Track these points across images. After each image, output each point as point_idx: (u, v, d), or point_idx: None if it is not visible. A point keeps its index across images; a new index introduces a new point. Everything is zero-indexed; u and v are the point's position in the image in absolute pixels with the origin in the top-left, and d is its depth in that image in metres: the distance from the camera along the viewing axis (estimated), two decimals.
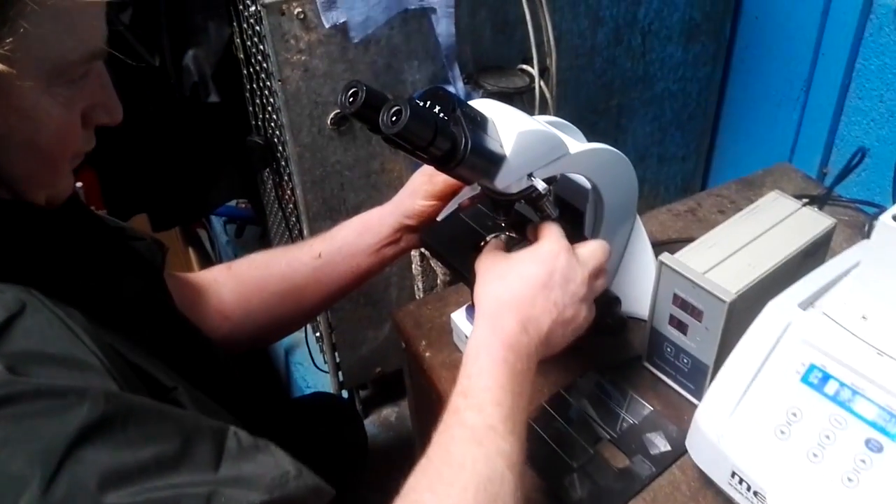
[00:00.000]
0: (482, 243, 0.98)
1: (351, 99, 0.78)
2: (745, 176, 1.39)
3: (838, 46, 1.43)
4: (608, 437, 0.96)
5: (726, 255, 0.95)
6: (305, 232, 1.38)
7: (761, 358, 0.84)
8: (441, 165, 0.80)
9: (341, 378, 1.63)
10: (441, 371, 1.06)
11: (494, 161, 0.81)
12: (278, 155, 1.38)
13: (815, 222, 1.00)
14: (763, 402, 0.82)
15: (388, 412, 1.79)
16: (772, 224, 0.99)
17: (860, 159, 1.21)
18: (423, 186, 0.97)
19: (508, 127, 0.83)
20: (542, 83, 1.26)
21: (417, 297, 1.50)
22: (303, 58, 1.20)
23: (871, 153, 1.48)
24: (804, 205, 1.03)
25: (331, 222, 1.36)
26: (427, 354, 1.09)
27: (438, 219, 0.94)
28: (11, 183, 0.59)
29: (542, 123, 0.87)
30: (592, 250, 0.82)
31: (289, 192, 1.39)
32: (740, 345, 0.87)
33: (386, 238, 0.99)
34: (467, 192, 1.00)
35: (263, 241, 2.12)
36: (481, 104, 0.85)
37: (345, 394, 1.68)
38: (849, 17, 1.39)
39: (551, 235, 0.80)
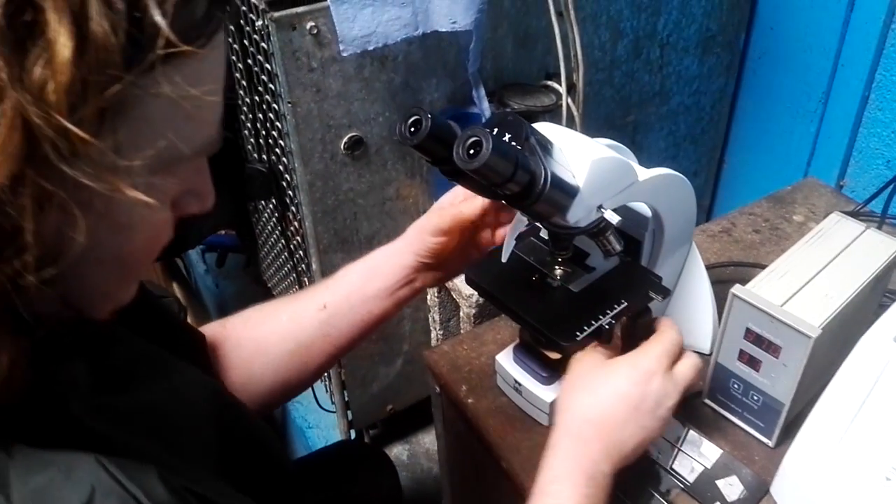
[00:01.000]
0: (534, 277, 0.91)
1: (412, 129, 0.69)
2: (773, 192, 1.34)
3: (859, 57, 1.39)
4: (680, 485, 0.88)
5: (801, 284, 0.88)
6: (314, 266, 1.28)
7: (860, 398, 0.78)
8: (516, 202, 0.72)
9: (350, 417, 1.52)
10: (488, 419, 0.97)
11: (571, 194, 0.73)
12: (283, 184, 1.28)
13: (883, 245, 0.94)
14: (865, 446, 0.76)
15: (399, 450, 1.69)
16: (840, 249, 0.93)
17: None
18: (430, 222, 0.88)
19: (578, 154, 0.75)
20: (569, 100, 1.18)
21: (433, 329, 1.41)
22: (315, 77, 1.10)
23: (892, 164, 1.44)
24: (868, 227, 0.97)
25: (343, 255, 1.27)
26: (469, 401, 1.00)
27: (503, 259, 0.86)
28: (76, 301, 0.47)
29: (608, 149, 0.80)
30: (688, 370, 0.77)
31: (296, 223, 1.29)
32: (834, 384, 0.80)
33: (398, 280, 0.88)
34: (516, 227, 0.92)
35: (249, 272, 2.00)
36: (541, 129, 0.77)
37: (352, 434, 1.58)
38: (871, 28, 1.35)
39: (655, 348, 0.76)
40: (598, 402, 0.72)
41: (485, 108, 1.15)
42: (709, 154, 1.67)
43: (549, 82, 1.22)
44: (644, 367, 0.73)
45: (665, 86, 1.47)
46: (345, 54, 1.06)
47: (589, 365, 0.76)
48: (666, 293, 0.86)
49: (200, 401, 0.60)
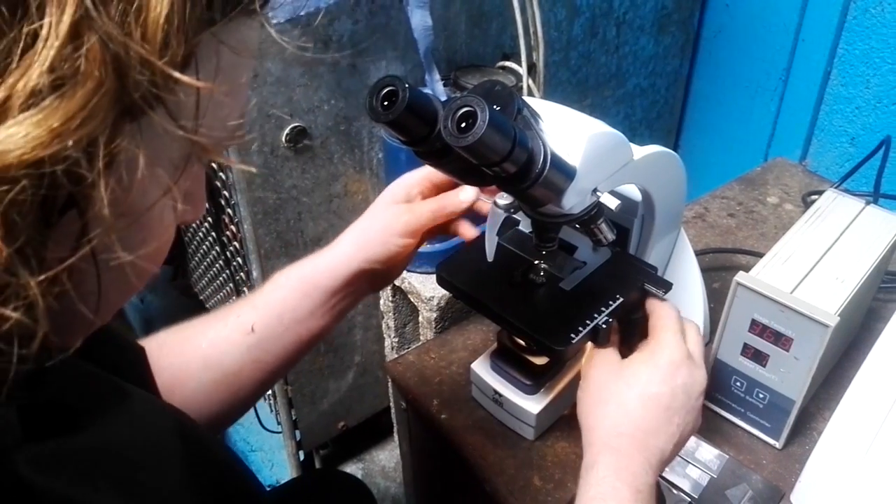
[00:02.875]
0: (515, 273, 0.80)
1: (385, 102, 0.58)
2: (743, 174, 1.27)
3: (820, 32, 1.34)
4: (687, 499, 0.80)
5: (807, 269, 0.81)
6: (254, 274, 1.15)
7: (891, 394, 0.70)
8: (508, 186, 0.61)
9: (298, 437, 1.39)
10: (465, 436, 0.86)
11: (569, 175, 0.63)
12: (217, 183, 1.13)
13: (885, 222, 0.88)
14: None
15: (353, 470, 1.57)
16: (842, 228, 0.87)
17: (886, 150, 1.11)
18: (400, 220, 0.72)
19: (570, 129, 0.65)
20: (530, 82, 1.08)
21: (387, 337, 1.29)
22: (251, 60, 0.97)
23: (856, 142, 1.40)
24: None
25: (287, 259, 1.14)
26: (443, 416, 0.89)
27: (489, 259, 0.75)
28: (58, 322, 0.32)
29: (603, 123, 0.70)
30: (697, 342, 0.72)
31: (232, 227, 1.15)
32: (858, 380, 0.73)
33: (340, 292, 0.74)
34: (495, 220, 0.81)
35: (178, 284, 1.83)
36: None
37: (301, 455, 1.45)
38: (832, 1, 1.30)
39: (669, 336, 0.69)
40: (627, 413, 0.64)
41: (439, 91, 1.04)
42: (664, 139, 1.60)
43: (507, 63, 1.12)
44: (665, 362, 0.66)
45: (622, 67, 1.39)
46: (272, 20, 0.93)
47: (606, 372, 0.68)
48: (667, 286, 0.77)
49: (162, 432, 0.47)
